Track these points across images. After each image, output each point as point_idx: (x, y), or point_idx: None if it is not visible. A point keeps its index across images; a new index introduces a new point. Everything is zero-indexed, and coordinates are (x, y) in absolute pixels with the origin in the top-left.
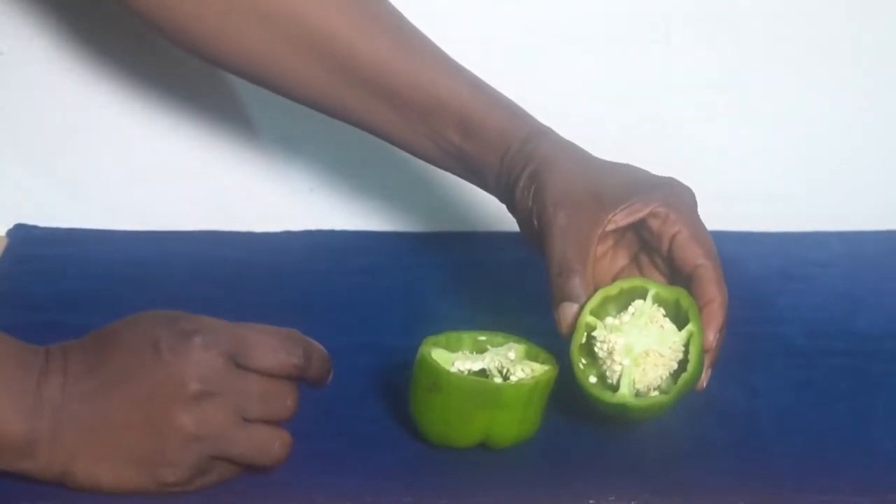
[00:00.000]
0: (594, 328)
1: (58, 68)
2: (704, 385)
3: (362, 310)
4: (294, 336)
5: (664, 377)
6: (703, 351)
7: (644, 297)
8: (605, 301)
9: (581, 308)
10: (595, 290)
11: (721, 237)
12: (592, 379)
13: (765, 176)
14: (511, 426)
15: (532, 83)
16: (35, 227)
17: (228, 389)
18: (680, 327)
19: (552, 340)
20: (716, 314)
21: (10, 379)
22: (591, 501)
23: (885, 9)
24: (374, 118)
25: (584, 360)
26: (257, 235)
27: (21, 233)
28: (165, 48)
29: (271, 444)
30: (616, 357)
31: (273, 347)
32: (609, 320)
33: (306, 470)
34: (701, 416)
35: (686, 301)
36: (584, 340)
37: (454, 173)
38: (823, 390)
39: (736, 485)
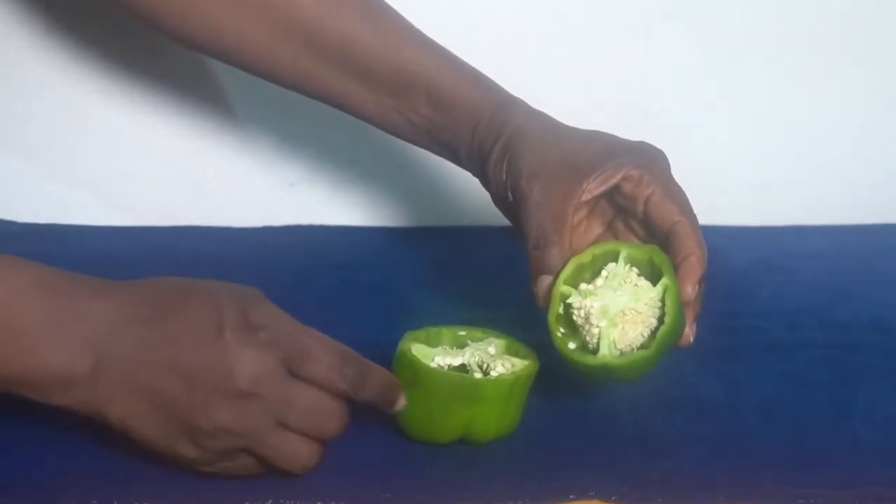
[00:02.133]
0: (569, 296)
1: (37, 60)
2: (691, 340)
3: (343, 305)
4: (350, 358)
5: (645, 335)
6: (681, 304)
7: (617, 260)
8: (580, 269)
9: (555, 279)
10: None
11: (703, 230)
12: (572, 345)
13: (747, 169)
14: (491, 421)
15: (514, 75)
16: (13, 223)
17: (274, 396)
18: (656, 284)
19: (533, 335)
20: (694, 267)
21: (57, 311)
22: (571, 496)
23: (867, 2)
24: (343, 93)
25: (562, 330)
26: (237, 231)
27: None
28: (147, 39)
29: (301, 453)
30: (593, 321)
31: (329, 366)
32: (583, 286)
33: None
34: (681, 408)
35: (658, 257)
36: (561, 311)
37: (427, 148)
38: (804, 383)
39: (716, 478)
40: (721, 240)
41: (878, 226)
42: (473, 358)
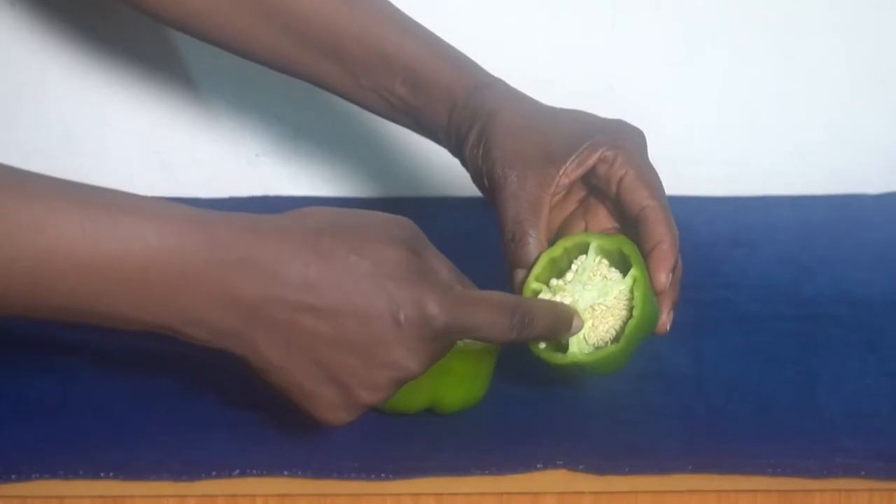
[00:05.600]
0: (540, 292)
1: None
2: (667, 328)
3: None
4: (512, 308)
5: (617, 328)
6: (653, 293)
7: (587, 253)
8: (551, 263)
9: (526, 275)
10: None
11: (670, 201)
12: (542, 344)
13: (713, 141)
14: (459, 392)
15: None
16: None
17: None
18: (626, 275)
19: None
20: (665, 255)
21: (198, 269)
22: (538, 465)
23: None
24: (320, 74)
25: None
26: (202, 201)
27: None
28: (111, 12)
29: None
30: None
31: (498, 330)
32: (553, 282)
33: (251, 436)
34: (648, 381)
35: (627, 247)
36: None
37: (409, 128)
38: (771, 355)
39: (684, 449)
40: (686, 212)
41: (845, 196)
42: None
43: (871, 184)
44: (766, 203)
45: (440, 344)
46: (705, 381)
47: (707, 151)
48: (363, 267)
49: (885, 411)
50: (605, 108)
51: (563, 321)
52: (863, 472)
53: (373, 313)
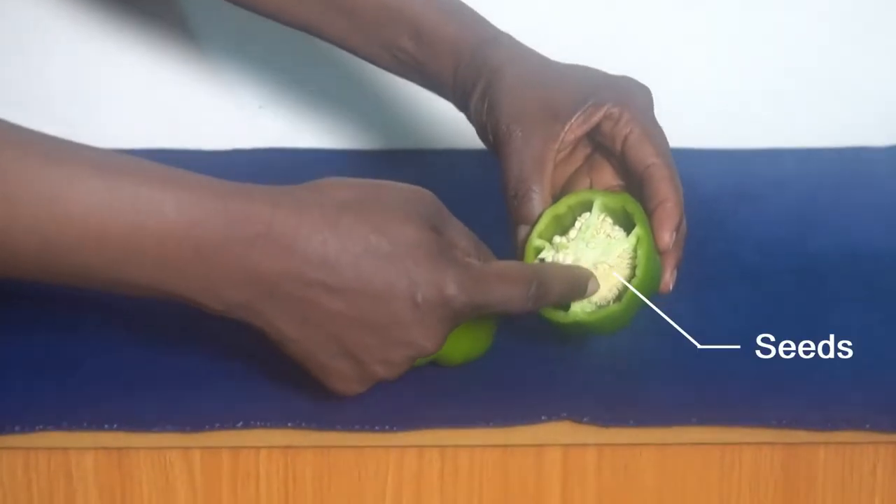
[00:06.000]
0: (542, 250)
1: None
2: (670, 287)
3: None
4: (528, 278)
5: (619, 287)
6: (656, 252)
7: (591, 210)
8: (555, 220)
9: (531, 230)
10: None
11: (674, 154)
12: None
13: (719, 92)
14: (463, 344)
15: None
16: None
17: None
18: (630, 233)
19: (507, 257)
20: (669, 213)
21: (216, 243)
22: (543, 417)
23: None
24: (325, 26)
25: None
26: (205, 153)
27: None
28: None
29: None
30: None
31: (516, 303)
32: (556, 239)
33: (255, 388)
34: (653, 334)
35: (631, 206)
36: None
37: (417, 83)
38: (775, 309)
39: (688, 402)
40: (691, 165)
41: (851, 149)
42: None
43: (879, 137)
44: (771, 156)
45: (457, 323)
46: (709, 334)
47: (712, 104)
48: (382, 247)
49: (889, 365)
50: (609, 61)
51: (578, 285)
52: (868, 426)
53: (391, 294)
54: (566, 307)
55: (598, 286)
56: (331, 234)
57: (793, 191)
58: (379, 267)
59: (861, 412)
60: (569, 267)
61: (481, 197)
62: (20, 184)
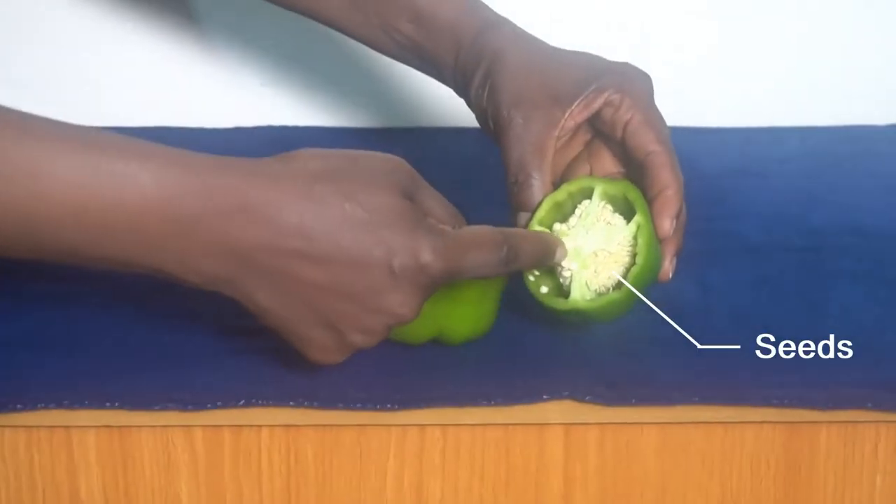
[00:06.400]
0: None
1: None
2: (670, 275)
3: None
4: (497, 243)
5: (621, 273)
6: (656, 240)
7: (591, 197)
8: (555, 207)
9: (531, 217)
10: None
11: (677, 132)
12: (544, 289)
13: (722, 71)
14: (465, 322)
15: None
16: None
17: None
18: (630, 221)
19: None
20: (670, 201)
21: (193, 216)
22: (545, 396)
23: None
24: (325, 9)
25: (536, 272)
26: (207, 131)
27: None
28: None
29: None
30: (564, 263)
31: (488, 267)
32: (556, 226)
33: (257, 366)
34: (655, 312)
35: (632, 193)
36: None
37: (416, 68)
38: (778, 286)
39: (690, 380)
40: (694, 142)
41: (854, 127)
42: None
43: (881, 115)
44: (774, 134)
45: (433, 289)
46: (712, 311)
47: (714, 82)
48: (357, 215)
49: (892, 342)
50: (610, 41)
51: (548, 250)
52: (870, 404)
53: (367, 261)
54: (566, 294)
55: (565, 253)
56: (306, 204)
57: (796, 168)
58: (355, 235)
59: (864, 390)
60: (537, 232)
61: (479, 175)
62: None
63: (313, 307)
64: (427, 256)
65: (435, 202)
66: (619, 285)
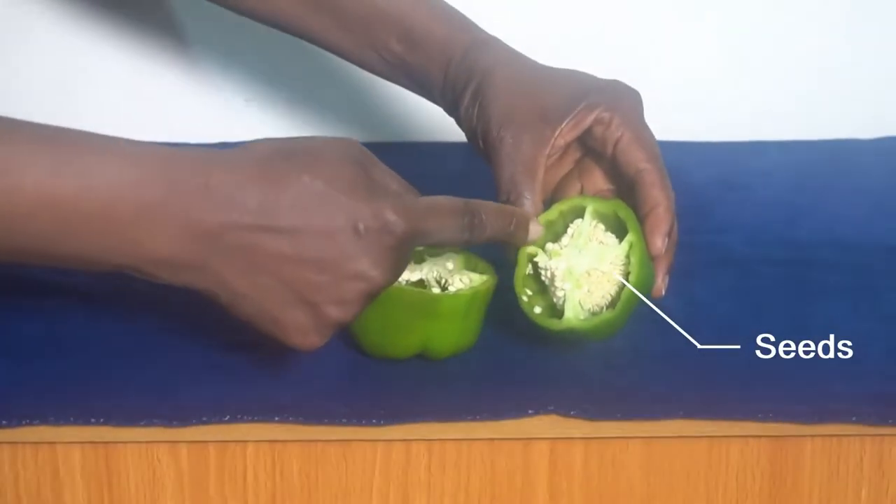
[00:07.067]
0: (535, 256)
1: None
2: (663, 292)
3: None
4: (460, 211)
5: (613, 293)
6: (648, 258)
7: (583, 216)
8: (547, 226)
9: None
10: None
11: (662, 147)
12: (538, 309)
13: (706, 86)
14: (449, 337)
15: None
16: None
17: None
18: (623, 239)
19: (492, 250)
20: (660, 219)
21: (162, 198)
22: (530, 411)
23: None
24: (314, 28)
25: (529, 291)
26: (192, 147)
27: None
28: None
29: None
30: (557, 283)
31: (451, 236)
32: (549, 246)
33: (243, 380)
34: (640, 326)
35: (623, 212)
36: (530, 271)
37: (405, 87)
38: (763, 299)
39: (675, 395)
40: (678, 156)
41: (836, 141)
42: (432, 273)
43: (865, 129)
44: (759, 147)
45: (401, 252)
46: (697, 324)
47: (700, 97)
48: (317, 185)
49: (876, 356)
50: (596, 55)
51: (518, 225)
52: (854, 418)
53: (333, 228)
54: (560, 314)
55: (540, 230)
56: (266, 182)
57: (780, 181)
58: (317, 204)
59: (848, 404)
60: (504, 206)
61: (468, 190)
62: None
63: (286, 282)
64: (390, 216)
65: (390, 177)
66: (612, 304)
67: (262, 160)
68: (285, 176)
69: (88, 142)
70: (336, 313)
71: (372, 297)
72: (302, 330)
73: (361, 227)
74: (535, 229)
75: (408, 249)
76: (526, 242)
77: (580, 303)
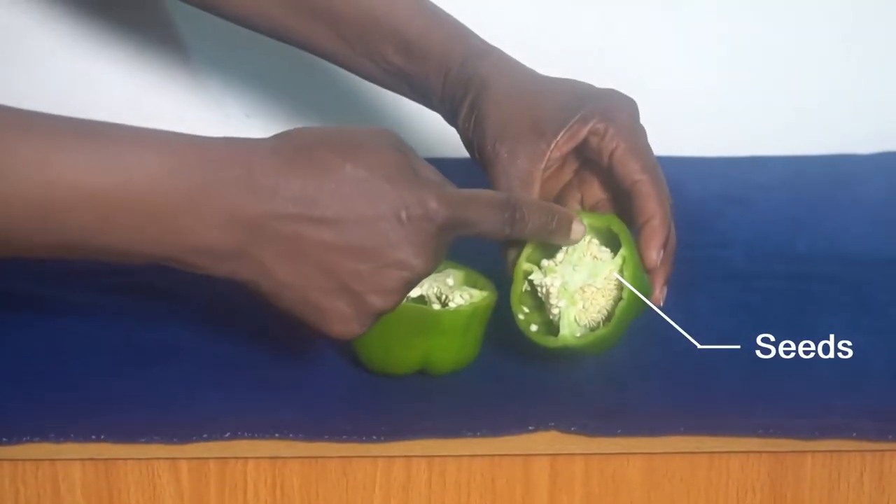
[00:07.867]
0: (531, 273)
1: None
2: (661, 303)
3: None
4: (504, 204)
5: (608, 308)
6: (642, 272)
7: None
8: (543, 243)
9: (518, 255)
10: None
11: (661, 162)
12: (534, 327)
13: (705, 100)
14: (450, 353)
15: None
16: None
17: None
18: (617, 254)
19: (493, 266)
20: (656, 231)
21: (202, 188)
22: (530, 427)
23: None
24: (313, 39)
25: (526, 309)
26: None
27: None
28: None
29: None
30: (552, 300)
31: (492, 228)
32: (544, 262)
33: (243, 397)
34: (641, 341)
35: (616, 226)
36: (526, 287)
37: (404, 95)
38: (763, 313)
39: (675, 411)
40: (678, 170)
41: (838, 156)
42: (432, 289)
43: (864, 143)
44: (758, 162)
45: (441, 241)
46: (698, 339)
47: (700, 112)
48: (359, 173)
49: (876, 370)
50: (595, 69)
51: (560, 223)
52: (854, 433)
53: (376, 215)
54: (555, 331)
55: (583, 230)
56: (308, 170)
57: (780, 195)
58: (360, 192)
59: (848, 419)
60: (549, 204)
61: None
62: (8, 154)
63: (328, 272)
64: (433, 204)
65: (429, 168)
66: (608, 319)
67: (302, 148)
68: (328, 164)
69: (127, 134)
70: (378, 302)
71: (412, 286)
72: (344, 319)
73: (404, 215)
74: (578, 229)
75: (448, 239)
76: (567, 242)
77: (576, 319)
